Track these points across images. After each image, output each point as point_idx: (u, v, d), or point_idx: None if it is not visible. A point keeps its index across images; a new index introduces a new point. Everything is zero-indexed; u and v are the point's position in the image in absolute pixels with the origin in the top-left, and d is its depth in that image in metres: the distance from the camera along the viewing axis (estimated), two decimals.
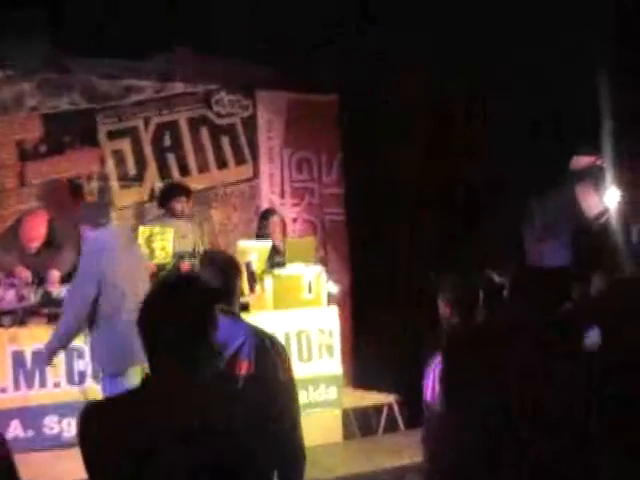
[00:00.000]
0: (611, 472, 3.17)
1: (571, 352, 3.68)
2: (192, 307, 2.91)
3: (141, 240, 7.95)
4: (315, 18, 9.15)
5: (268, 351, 4.15)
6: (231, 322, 4.10)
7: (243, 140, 10.52)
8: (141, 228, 8.17)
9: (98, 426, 2.79)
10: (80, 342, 6.96)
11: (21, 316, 7.32)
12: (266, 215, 9.37)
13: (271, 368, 4.10)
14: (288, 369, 4.22)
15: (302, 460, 4.11)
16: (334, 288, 8.78)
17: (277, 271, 8.32)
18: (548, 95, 8.66)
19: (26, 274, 7.70)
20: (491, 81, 9.22)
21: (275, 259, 8.59)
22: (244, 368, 3.98)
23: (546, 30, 8.61)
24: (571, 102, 8.24)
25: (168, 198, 9.04)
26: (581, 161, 8.41)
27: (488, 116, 9.86)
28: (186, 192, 9.07)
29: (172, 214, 8.91)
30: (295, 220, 10.63)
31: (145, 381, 2.86)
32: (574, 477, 3.17)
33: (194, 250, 8.54)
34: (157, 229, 8.25)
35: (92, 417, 2.84)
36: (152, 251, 8.01)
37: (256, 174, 10.52)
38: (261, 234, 9.08)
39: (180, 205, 8.95)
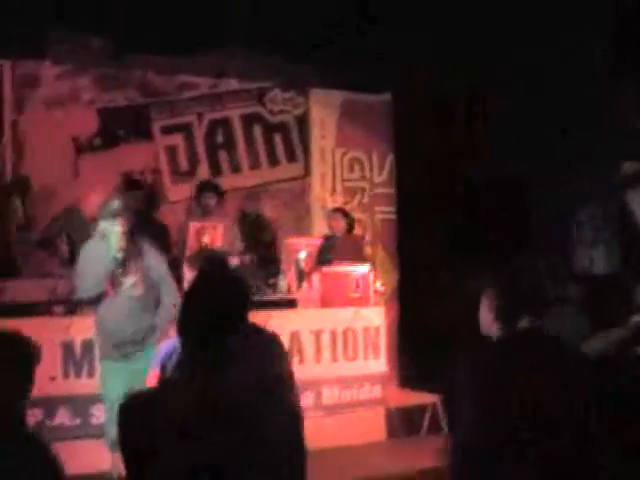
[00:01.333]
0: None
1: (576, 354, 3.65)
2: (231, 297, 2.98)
3: (191, 234, 8.03)
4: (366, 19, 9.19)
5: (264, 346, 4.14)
6: None
7: (295, 138, 10.59)
8: (191, 223, 8.25)
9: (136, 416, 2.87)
10: None
11: (73, 306, 7.42)
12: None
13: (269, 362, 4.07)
14: (284, 363, 4.15)
15: (301, 455, 4.04)
16: (381, 287, 8.79)
17: (325, 268, 8.36)
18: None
19: None
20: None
21: (324, 256, 8.62)
22: None
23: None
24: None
25: (198, 195, 9.10)
26: (633, 167, 8.35)
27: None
28: (216, 190, 9.10)
29: (203, 211, 8.94)
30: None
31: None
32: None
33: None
34: (208, 224, 8.33)
35: (131, 407, 2.91)
36: (201, 245, 8.09)
37: (307, 172, 10.58)
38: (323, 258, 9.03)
39: (210, 202, 8.98)
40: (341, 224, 9.11)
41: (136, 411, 2.93)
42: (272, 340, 4.02)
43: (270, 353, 3.90)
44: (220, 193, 9.14)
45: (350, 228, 9.19)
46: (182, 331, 3.01)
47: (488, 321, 4.26)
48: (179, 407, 2.79)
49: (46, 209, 9.20)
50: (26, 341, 3.40)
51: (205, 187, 9.22)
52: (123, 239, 6.07)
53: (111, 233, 6.06)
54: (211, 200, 8.99)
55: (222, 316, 2.98)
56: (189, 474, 2.74)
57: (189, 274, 5.53)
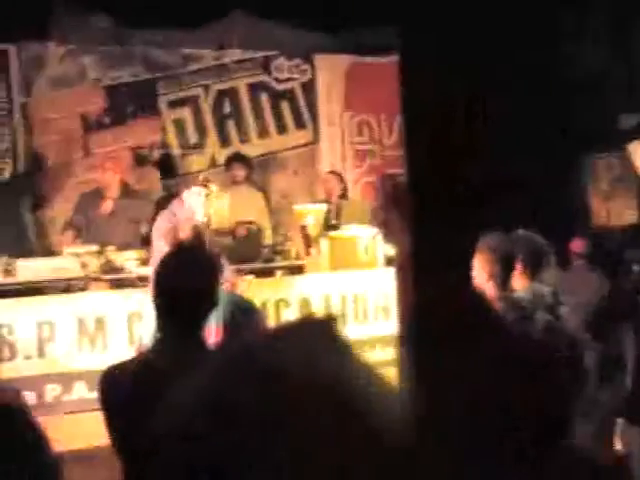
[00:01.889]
0: None
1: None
2: (199, 274, 3.07)
3: (196, 204, 8.12)
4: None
5: (242, 316, 4.25)
6: None
7: (303, 105, 10.65)
8: (194, 189, 8.34)
9: (113, 385, 2.99)
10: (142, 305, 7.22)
11: (83, 283, 7.59)
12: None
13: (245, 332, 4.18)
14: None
15: None
16: (392, 251, 8.86)
17: (333, 233, 8.45)
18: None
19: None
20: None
21: (331, 221, 8.72)
22: (212, 335, 4.09)
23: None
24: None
25: (227, 167, 9.26)
26: (630, 119, 8.37)
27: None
28: (244, 160, 9.25)
29: (232, 181, 9.10)
30: (357, 182, 10.72)
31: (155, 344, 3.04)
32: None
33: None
34: (215, 192, 8.41)
35: (109, 377, 3.04)
36: (208, 217, 8.19)
37: (316, 138, 10.65)
38: None
39: (239, 173, 9.14)
40: (336, 188, 9.19)
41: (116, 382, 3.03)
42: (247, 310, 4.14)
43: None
44: (249, 164, 9.29)
45: (344, 192, 9.27)
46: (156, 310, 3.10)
47: (482, 277, 4.42)
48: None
49: (60, 188, 9.36)
50: None
51: (234, 158, 9.37)
52: None
53: None
54: (240, 171, 9.14)
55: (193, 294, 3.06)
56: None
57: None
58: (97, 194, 8.53)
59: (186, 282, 3.01)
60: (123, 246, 7.88)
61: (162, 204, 8.03)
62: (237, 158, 9.43)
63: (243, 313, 4.33)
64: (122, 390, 2.94)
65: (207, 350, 2.96)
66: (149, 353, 3.09)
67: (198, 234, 4.97)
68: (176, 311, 3.00)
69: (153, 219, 7.46)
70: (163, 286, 3.08)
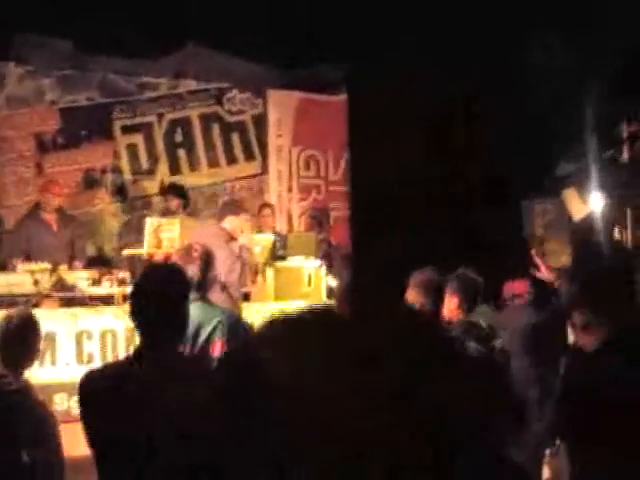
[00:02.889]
0: None
1: None
2: (171, 292, 3.36)
3: (149, 230, 8.36)
4: (322, 19, 9.49)
5: (241, 332, 4.54)
6: (206, 307, 4.58)
7: (253, 137, 10.94)
8: (149, 220, 8.58)
9: (92, 391, 3.23)
10: (91, 324, 7.42)
11: (35, 299, 7.75)
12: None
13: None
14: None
15: None
16: (334, 282, 9.14)
17: (278, 263, 8.71)
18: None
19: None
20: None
21: (277, 252, 8.98)
22: (217, 349, 4.39)
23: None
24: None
25: (162, 197, 9.50)
26: (566, 167, 8.79)
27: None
28: (178, 192, 9.43)
29: (167, 212, 9.27)
30: (301, 215, 11.02)
31: (135, 353, 3.29)
32: None
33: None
34: (164, 220, 8.65)
35: (88, 383, 3.28)
36: (159, 241, 8.42)
37: (265, 170, 10.93)
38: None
39: (172, 204, 9.31)
40: (268, 220, 9.51)
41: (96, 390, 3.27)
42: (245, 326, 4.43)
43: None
44: (183, 196, 9.47)
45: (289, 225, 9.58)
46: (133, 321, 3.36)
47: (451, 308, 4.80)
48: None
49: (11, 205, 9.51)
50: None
51: (168, 190, 9.56)
52: None
53: None
54: (173, 202, 9.32)
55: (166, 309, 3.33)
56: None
57: None
58: (37, 214, 8.77)
59: (160, 298, 3.29)
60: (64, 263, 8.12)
61: None
62: (171, 189, 9.60)
63: (244, 329, 4.62)
64: (100, 393, 3.17)
65: (183, 360, 3.23)
66: (128, 360, 3.34)
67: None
68: (151, 323, 3.26)
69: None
70: (140, 300, 3.35)
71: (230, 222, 7.53)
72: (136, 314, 3.30)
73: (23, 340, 4.47)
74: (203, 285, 4.73)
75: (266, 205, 9.99)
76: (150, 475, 2.95)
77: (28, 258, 8.25)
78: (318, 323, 1.00)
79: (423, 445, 0.92)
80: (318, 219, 10.79)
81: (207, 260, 4.90)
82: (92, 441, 3.19)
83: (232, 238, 7.44)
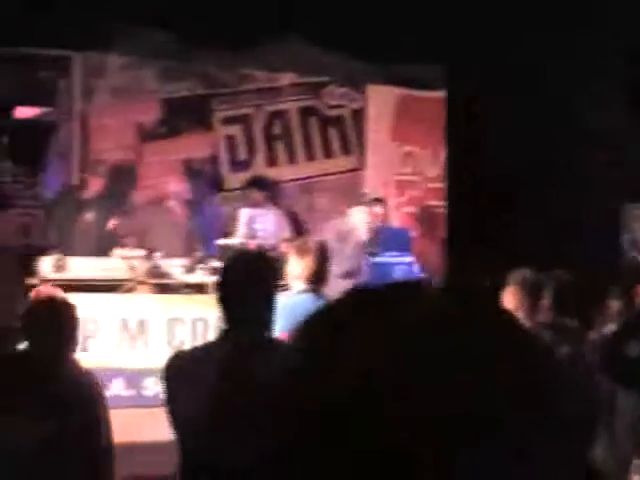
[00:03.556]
0: None
1: None
2: (258, 278, 3.35)
3: (243, 221, 8.42)
4: (421, 14, 9.44)
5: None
6: (316, 300, 4.57)
7: (351, 132, 10.91)
8: (243, 210, 8.64)
9: (177, 371, 3.24)
10: (183, 312, 7.51)
11: (129, 285, 7.88)
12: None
13: None
14: None
15: None
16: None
17: (372, 259, 8.67)
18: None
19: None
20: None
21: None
22: None
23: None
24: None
25: (248, 190, 9.51)
26: None
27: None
28: (263, 187, 9.45)
29: (253, 205, 9.28)
30: (396, 211, 10.95)
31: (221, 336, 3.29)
32: None
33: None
34: (259, 211, 8.70)
35: (174, 363, 3.29)
36: (253, 232, 8.47)
37: (361, 165, 10.90)
38: None
39: (258, 197, 9.31)
40: (379, 215, 9.42)
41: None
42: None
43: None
44: (268, 189, 9.49)
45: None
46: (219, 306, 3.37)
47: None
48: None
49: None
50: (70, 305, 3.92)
51: (253, 183, 9.59)
52: None
53: None
54: (259, 196, 9.33)
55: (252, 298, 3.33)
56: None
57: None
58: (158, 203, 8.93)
59: (250, 282, 3.28)
60: (178, 253, 8.21)
61: None
62: (255, 182, 9.63)
63: None
64: (185, 373, 3.19)
65: (269, 344, 3.21)
66: (215, 343, 3.34)
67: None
68: (237, 308, 3.26)
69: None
70: (229, 284, 3.35)
71: (357, 213, 7.60)
72: (222, 299, 3.31)
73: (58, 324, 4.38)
74: (316, 278, 4.74)
75: (377, 200, 9.90)
76: (230, 456, 2.94)
77: (137, 244, 8.40)
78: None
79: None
80: (418, 216, 10.74)
81: (322, 253, 4.91)
82: (176, 421, 3.20)
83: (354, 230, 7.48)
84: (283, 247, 8.59)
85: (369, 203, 9.03)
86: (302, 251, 5.27)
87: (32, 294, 4.62)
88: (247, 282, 3.31)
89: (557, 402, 0.86)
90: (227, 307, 3.30)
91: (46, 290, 4.69)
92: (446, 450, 0.80)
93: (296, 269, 5.24)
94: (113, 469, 4.13)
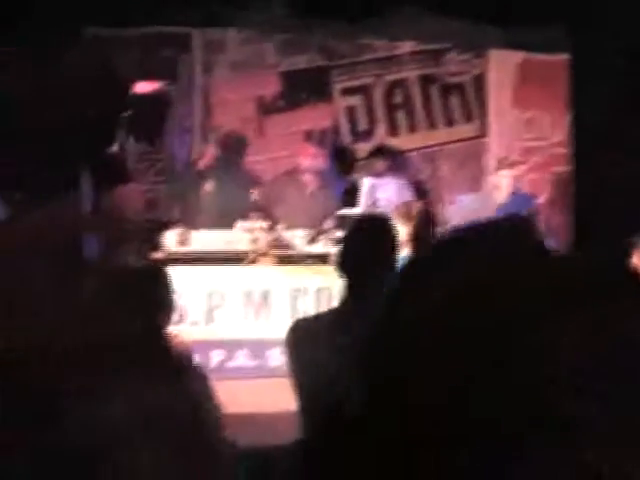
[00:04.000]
0: None
1: None
2: (379, 241, 3.32)
3: (365, 190, 8.40)
4: None
5: None
6: None
7: (472, 99, 10.75)
8: (365, 180, 8.62)
9: (299, 337, 3.24)
10: (307, 283, 7.56)
11: (253, 257, 7.96)
12: None
13: None
14: None
15: None
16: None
17: None
18: None
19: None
20: None
21: None
22: None
23: None
24: None
25: (370, 159, 9.48)
26: None
27: None
28: (385, 155, 9.40)
29: (375, 175, 9.24)
30: (521, 179, 10.74)
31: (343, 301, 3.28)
32: None
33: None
34: (381, 180, 8.67)
35: (296, 329, 3.30)
36: (375, 201, 8.44)
37: (483, 133, 10.73)
38: None
39: (380, 167, 9.27)
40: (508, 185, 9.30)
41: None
42: None
43: None
44: (392, 158, 9.44)
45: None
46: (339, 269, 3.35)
47: None
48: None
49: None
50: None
51: (376, 152, 9.55)
52: None
53: None
54: (382, 165, 9.31)
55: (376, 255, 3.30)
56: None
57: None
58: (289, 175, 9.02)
59: (368, 245, 3.25)
60: (304, 224, 8.28)
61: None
62: (379, 151, 9.58)
63: None
64: (307, 339, 3.18)
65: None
66: (336, 309, 3.33)
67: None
68: (358, 273, 3.23)
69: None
70: (349, 247, 3.34)
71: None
72: (343, 265, 3.29)
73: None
74: (420, 243, 4.69)
75: (507, 165, 9.78)
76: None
77: (263, 216, 8.49)
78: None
79: None
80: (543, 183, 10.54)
81: (426, 218, 4.87)
82: (299, 389, 3.20)
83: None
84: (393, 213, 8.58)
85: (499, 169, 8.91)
86: (405, 216, 5.25)
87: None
88: (368, 247, 3.28)
89: None
90: (348, 273, 3.29)
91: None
92: None
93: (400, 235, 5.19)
94: (223, 441, 4.17)
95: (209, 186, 9.10)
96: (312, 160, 9.13)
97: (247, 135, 9.85)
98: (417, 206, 6.07)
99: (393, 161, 9.37)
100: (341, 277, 3.39)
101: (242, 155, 9.67)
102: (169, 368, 3.62)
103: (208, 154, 9.49)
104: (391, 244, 3.39)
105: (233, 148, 9.62)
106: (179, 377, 3.58)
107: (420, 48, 10.51)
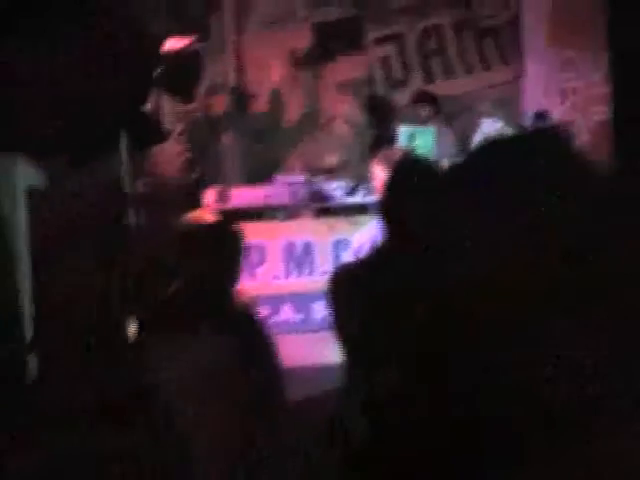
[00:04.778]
0: None
1: None
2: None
3: (403, 138, 8.32)
4: None
5: None
6: None
7: (507, 41, 10.60)
8: (402, 128, 8.53)
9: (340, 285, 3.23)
10: (347, 234, 7.52)
11: (292, 210, 7.96)
12: None
13: None
14: None
15: None
16: None
17: None
18: None
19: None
20: None
21: None
22: None
23: None
24: None
25: (412, 105, 9.40)
26: None
27: None
28: (428, 100, 9.32)
29: (417, 121, 9.17)
30: (560, 119, 10.61)
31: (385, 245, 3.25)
32: None
33: None
34: (419, 129, 8.59)
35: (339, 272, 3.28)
36: (413, 149, 8.36)
37: (520, 74, 10.59)
38: None
39: (422, 112, 9.21)
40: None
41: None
42: None
43: None
44: (433, 103, 9.37)
45: None
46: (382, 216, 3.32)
47: None
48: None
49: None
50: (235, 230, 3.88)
51: (418, 97, 9.48)
52: None
53: None
54: (424, 110, 9.24)
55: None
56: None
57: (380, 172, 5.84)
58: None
59: (409, 191, 3.22)
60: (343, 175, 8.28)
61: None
62: (421, 95, 9.51)
63: None
64: (351, 281, 3.16)
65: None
66: (373, 254, 3.31)
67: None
68: (401, 215, 3.20)
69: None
70: (386, 196, 3.31)
71: None
72: (384, 210, 3.26)
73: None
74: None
75: (541, 115, 9.68)
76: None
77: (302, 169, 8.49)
78: None
79: None
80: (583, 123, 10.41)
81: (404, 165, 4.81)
82: (344, 336, 3.18)
83: None
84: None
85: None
86: (389, 161, 5.17)
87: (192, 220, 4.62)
88: (409, 191, 3.25)
89: None
90: (390, 218, 3.25)
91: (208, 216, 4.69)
92: None
93: (380, 182, 5.12)
94: (283, 393, 4.19)
95: (251, 143, 9.12)
96: (347, 110, 9.09)
97: (281, 90, 9.82)
98: (400, 151, 5.99)
99: (435, 107, 9.30)
100: (383, 224, 3.35)
101: (281, 112, 9.68)
102: (238, 320, 3.61)
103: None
104: (433, 184, 3.34)
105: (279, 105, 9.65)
106: (246, 328, 3.58)
107: None
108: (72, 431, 2.91)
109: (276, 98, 9.77)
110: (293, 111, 9.85)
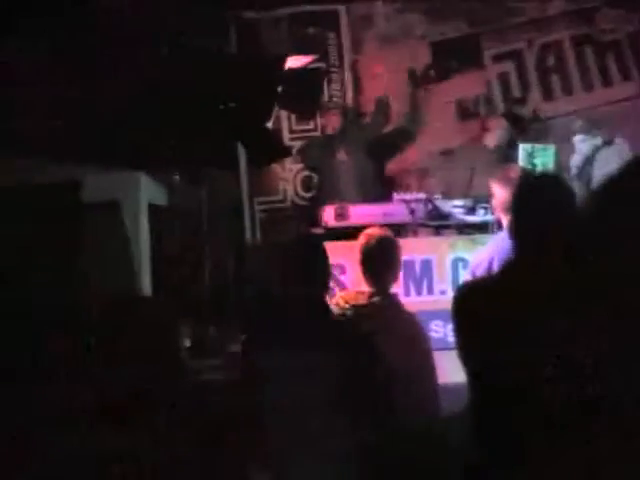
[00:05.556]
0: None
1: None
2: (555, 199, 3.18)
3: (522, 157, 8.21)
4: None
5: None
6: None
7: (629, 56, 10.38)
8: (521, 145, 8.42)
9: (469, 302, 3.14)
10: (466, 252, 7.44)
11: (411, 228, 7.91)
12: None
13: None
14: None
15: None
16: None
17: None
18: None
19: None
20: None
21: None
22: None
23: None
24: None
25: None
26: None
27: None
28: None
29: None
30: None
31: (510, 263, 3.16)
32: None
33: None
34: (539, 146, 8.46)
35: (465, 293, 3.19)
36: (533, 167, 8.24)
37: None
38: None
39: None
40: None
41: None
42: None
43: None
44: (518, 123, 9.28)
45: None
46: (515, 233, 3.22)
47: None
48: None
49: None
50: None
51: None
52: None
53: None
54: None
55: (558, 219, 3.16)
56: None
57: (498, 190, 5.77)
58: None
59: (543, 206, 3.13)
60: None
61: None
62: (506, 116, 9.42)
63: None
64: (476, 302, 3.06)
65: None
66: (503, 271, 3.22)
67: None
68: (531, 233, 3.11)
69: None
70: (519, 208, 3.22)
71: None
72: (516, 225, 3.18)
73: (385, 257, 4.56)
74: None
75: None
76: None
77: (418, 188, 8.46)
78: None
79: None
80: None
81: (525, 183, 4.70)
82: (466, 357, 3.08)
83: None
84: None
85: None
86: (507, 179, 5.05)
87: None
88: (542, 205, 3.15)
89: None
90: (521, 234, 3.16)
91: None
92: None
93: (499, 200, 4.98)
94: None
95: (366, 162, 9.11)
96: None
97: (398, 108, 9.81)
98: (516, 169, 5.88)
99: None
100: (513, 240, 3.25)
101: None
102: (328, 331, 3.67)
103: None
104: (568, 204, 3.23)
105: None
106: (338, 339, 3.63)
107: (571, 7, 10.22)
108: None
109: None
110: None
